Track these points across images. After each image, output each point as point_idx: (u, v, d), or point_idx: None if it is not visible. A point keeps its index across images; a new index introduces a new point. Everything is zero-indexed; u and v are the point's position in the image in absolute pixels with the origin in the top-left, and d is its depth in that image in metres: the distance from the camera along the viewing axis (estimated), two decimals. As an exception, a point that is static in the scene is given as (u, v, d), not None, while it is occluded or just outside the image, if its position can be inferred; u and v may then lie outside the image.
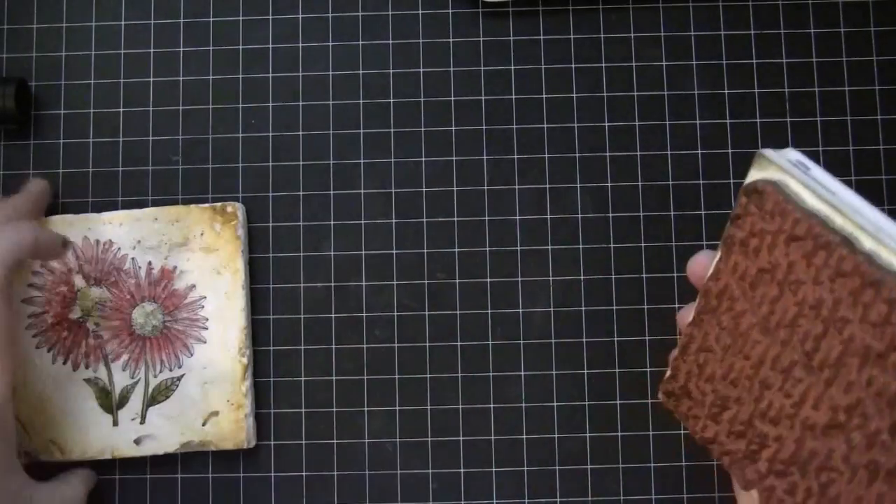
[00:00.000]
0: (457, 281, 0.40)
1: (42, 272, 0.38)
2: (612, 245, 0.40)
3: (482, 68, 0.41)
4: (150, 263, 0.39)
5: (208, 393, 0.38)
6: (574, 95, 0.41)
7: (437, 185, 0.40)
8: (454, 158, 0.40)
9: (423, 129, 0.41)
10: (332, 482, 0.39)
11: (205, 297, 0.38)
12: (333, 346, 0.39)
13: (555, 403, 0.39)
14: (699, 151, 0.40)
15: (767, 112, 0.40)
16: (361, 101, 0.41)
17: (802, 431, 0.25)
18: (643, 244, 0.40)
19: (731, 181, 0.40)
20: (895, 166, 0.40)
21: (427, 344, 0.39)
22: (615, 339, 0.39)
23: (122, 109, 0.41)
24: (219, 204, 0.39)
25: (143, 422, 0.38)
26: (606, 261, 0.40)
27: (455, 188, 0.40)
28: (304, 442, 0.39)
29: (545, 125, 0.41)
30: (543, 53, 0.41)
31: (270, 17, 0.41)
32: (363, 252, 0.40)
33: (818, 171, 0.26)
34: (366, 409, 0.39)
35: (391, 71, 0.41)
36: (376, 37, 0.41)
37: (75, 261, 0.39)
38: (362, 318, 0.39)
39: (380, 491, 0.39)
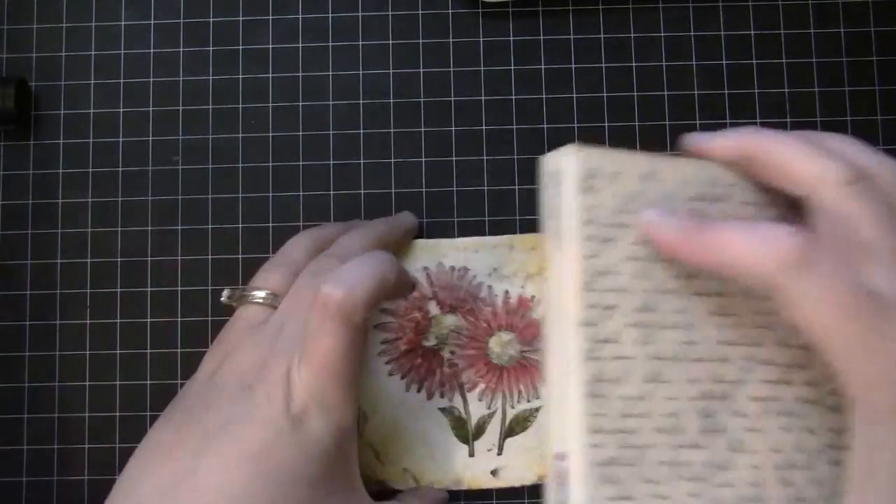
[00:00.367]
0: (457, 281, 0.40)
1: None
2: (612, 245, 0.40)
3: (482, 68, 0.41)
4: (506, 292, 0.38)
5: None
6: (574, 95, 0.41)
7: (438, 185, 0.40)
8: (454, 158, 0.40)
9: (423, 129, 0.41)
10: None
11: None
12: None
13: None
14: (699, 151, 0.40)
15: (768, 112, 0.40)
16: (361, 101, 0.41)
17: None
18: (643, 244, 0.40)
19: None
20: (895, 166, 0.40)
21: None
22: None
23: (122, 109, 0.41)
24: None
25: (500, 453, 0.37)
26: (606, 261, 0.40)
27: (455, 188, 0.40)
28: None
29: (545, 125, 0.41)
30: (543, 53, 0.41)
31: (270, 17, 0.41)
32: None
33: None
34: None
35: (391, 71, 0.41)
36: (376, 37, 0.41)
37: (429, 287, 0.38)
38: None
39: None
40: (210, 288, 0.40)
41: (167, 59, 0.41)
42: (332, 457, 0.31)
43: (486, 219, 0.40)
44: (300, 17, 0.41)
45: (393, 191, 0.40)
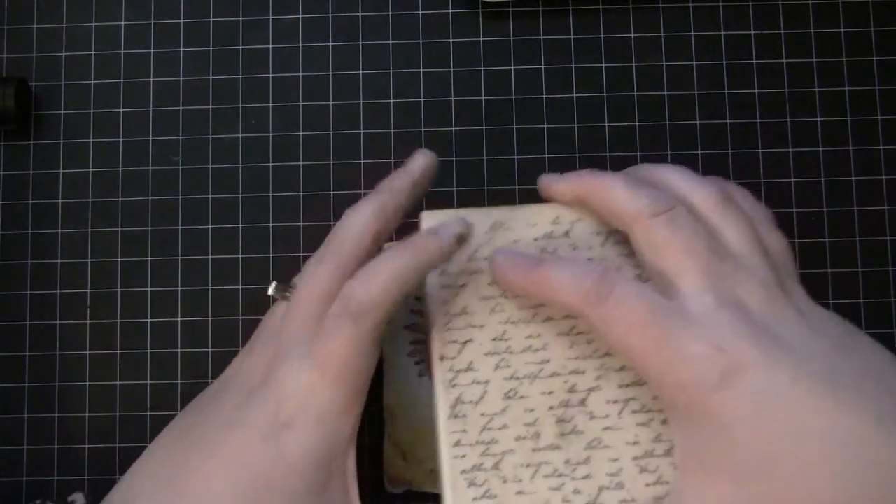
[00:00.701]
0: (457, 281, 0.40)
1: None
2: (612, 245, 0.40)
3: (482, 68, 0.41)
4: None
5: None
6: (574, 95, 0.41)
7: (438, 185, 0.40)
8: (454, 158, 0.40)
9: (423, 129, 0.41)
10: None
11: None
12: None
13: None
14: (699, 151, 0.40)
15: (767, 112, 0.40)
16: (361, 101, 0.41)
17: None
18: (643, 244, 0.40)
19: (732, 181, 0.40)
20: (895, 166, 0.40)
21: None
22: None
23: (122, 109, 0.41)
24: None
25: None
26: (606, 261, 0.40)
27: (455, 188, 0.40)
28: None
29: (545, 125, 0.41)
30: (543, 53, 0.41)
31: (270, 17, 0.41)
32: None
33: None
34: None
35: (391, 71, 0.41)
36: (376, 37, 0.41)
37: None
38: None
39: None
40: (210, 288, 0.40)
41: (167, 59, 0.41)
42: (320, 470, 0.30)
43: (486, 219, 0.40)
44: (300, 17, 0.41)
45: (393, 191, 0.40)
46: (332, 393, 0.29)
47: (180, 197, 0.40)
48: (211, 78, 0.41)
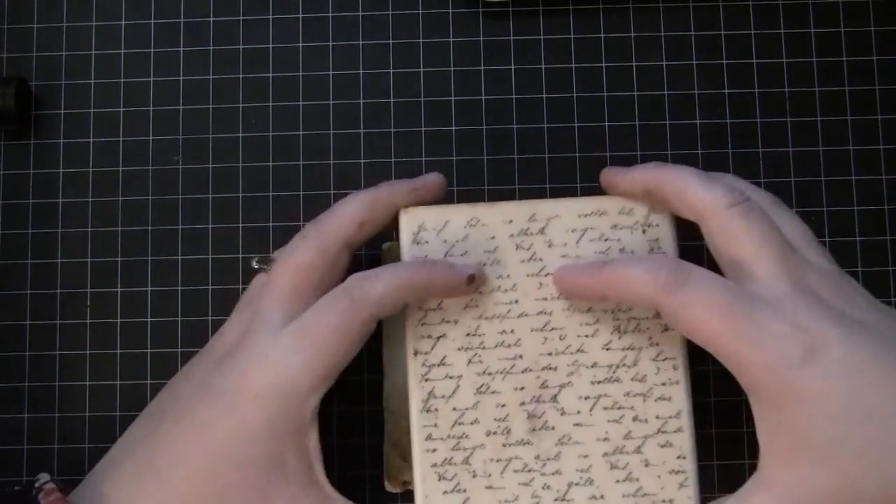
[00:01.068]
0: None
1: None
2: (612, 245, 0.40)
3: (482, 68, 0.41)
4: None
5: None
6: (574, 95, 0.41)
7: (438, 185, 0.40)
8: (454, 158, 0.40)
9: (423, 129, 0.41)
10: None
11: None
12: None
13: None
14: (699, 151, 0.40)
15: (767, 112, 0.40)
16: (361, 101, 0.41)
17: None
18: (643, 244, 0.40)
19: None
20: (895, 166, 0.40)
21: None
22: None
23: (122, 109, 0.41)
24: None
25: None
26: (606, 261, 0.40)
27: (455, 188, 0.40)
28: None
29: (545, 125, 0.41)
30: (543, 53, 0.41)
31: (270, 16, 0.41)
32: (363, 252, 0.40)
33: None
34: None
35: (391, 71, 0.41)
36: (376, 37, 0.41)
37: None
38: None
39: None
40: (210, 288, 0.40)
41: (167, 59, 0.41)
42: (283, 443, 0.30)
43: (487, 219, 0.40)
44: (300, 16, 0.41)
45: (393, 191, 0.40)
46: (305, 368, 0.30)
47: (180, 197, 0.40)
48: (211, 78, 0.41)
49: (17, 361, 0.40)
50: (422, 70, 0.41)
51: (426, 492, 0.32)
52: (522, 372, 0.33)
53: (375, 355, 0.38)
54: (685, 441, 0.32)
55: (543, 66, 0.41)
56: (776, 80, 0.41)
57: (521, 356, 0.33)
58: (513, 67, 0.41)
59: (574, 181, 0.40)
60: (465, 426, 0.32)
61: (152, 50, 0.41)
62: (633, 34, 0.41)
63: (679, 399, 0.32)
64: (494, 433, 0.32)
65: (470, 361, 0.33)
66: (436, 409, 0.32)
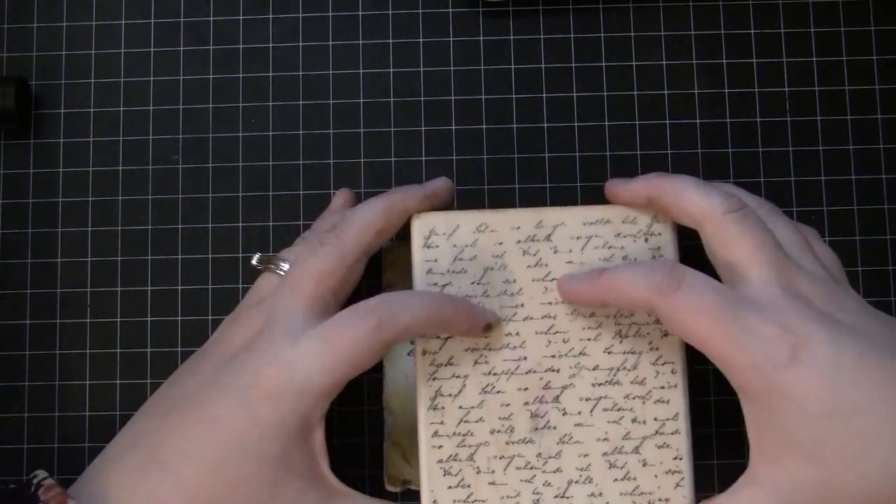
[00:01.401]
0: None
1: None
2: (612, 245, 0.40)
3: (482, 68, 0.41)
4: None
5: None
6: (574, 95, 0.41)
7: (438, 184, 0.40)
8: (454, 158, 0.40)
9: (423, 129, 0.41)
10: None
11: None
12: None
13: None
14: (699, 151, 0.40)
15: (767, 112, 0.40)
16: (361, 101, 0.41)
17: None
18: (643, 244, 0.40)
19: (731, 181, 0.40)
20: (895, 166, 0.40)
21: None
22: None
23: (122, 109, 0.41)
24: None
25: None
26: (606, 260, 0.40)
27: (455, 188, 0.40)
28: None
29: (545, 125, 0.41)
30: (543, 53, 0.41)
31: (270, 16, 0.41)
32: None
33: None
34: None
35: (391, 71, 0.41)
36: (376, 37, 0.41)
37: None
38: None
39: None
40: (210, 287, 0.40)
41: (167, 58, 0.41)
42: (292, 441, 0.30)
43: (487, 218, 0.40)
44: (300, 16, 0.41)
45: (393, 190, 0.40)
46: (322, 374, 0.30)
47: (180, 196, 0.40)
48: (211, 77, 0.41)
49: (17, 361, 0.40)
50: (422, 70, 0.41)
51: (432, 486, 0.33)
52: (526, 373, 0.33)
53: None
54: (682, 443, 0.33)
55: (543, 66, 0.41)
56: (776, 80, 0.41)
57: (525, 358, 0.33)
58: (513, 67, 0.41)
59: (574, 181, 0.40)
60: (470, 424, 0.33)
61: (152, 50, 0.41)
62: (633, 34, 0.41)
63: (677, 402, 0.33)
64: (498, 431, 0.33)
65: (476, 362, 0.34)
66: (442, 407, 0.33)
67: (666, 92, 0.41)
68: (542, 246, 0.34)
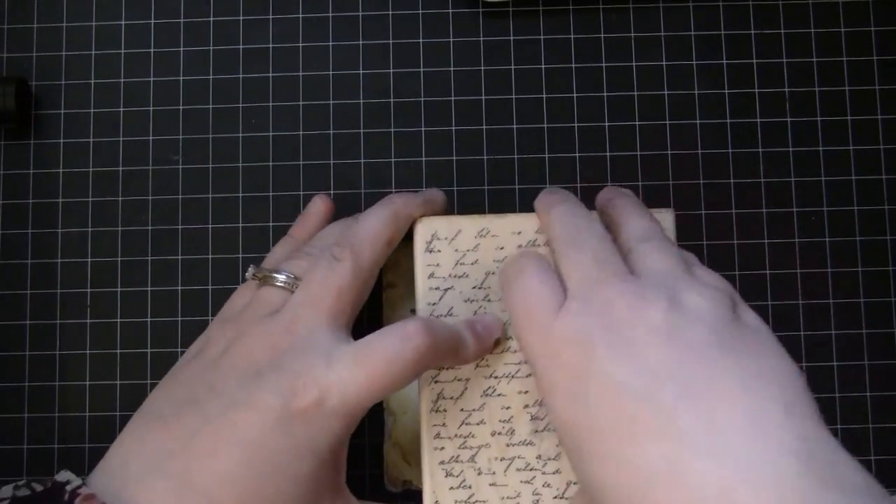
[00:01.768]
0: (457, 281, 0.40)
1: None
2: (612, 245, 0.40)
3: (482, 68, 0.41)
4: None
5: None
6: (574, 95, 0.41)
7: (437, 184, 0.40)
8: (454, 158, 0.40)
9: (423, 129, 0.41)
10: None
11: None
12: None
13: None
14: (699, 151, 0.40)
15: (767, 112, 0.40)
16: (361, 101, 0.41)
17: None
18: (643, 244, 0.40)
19: (732, 181, 0.40)
20: (895, 166, 0.40)
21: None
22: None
23: (122, 109, 0.41)
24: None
25: None
26: (606, 261, 0.40)
27: (455, 188, 0.40)
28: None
29: (545, 125, 0.41)
30: (543, 53, 0.41)
31: (270, 16, 0.41)
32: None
33: None
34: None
35: (391, 71, 0.41)
36: (376, 37, 0.41)
37: None
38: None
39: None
40: (210, 288, 0.40)
41: (167, 59, 0.41)
42: (324, 459, 0.30)
43: (487, 218, 0.40)
44: (300, 16, 0.41)
45: (393, 190, 0.40)
46: (359, 397, 0.30)
47: (180, 197, 0.40)
48: (211, 78, 0.41)
49: (17, 361, 0.40)
50: (422, 70, 0.41)
51: (433, 487, 0.33)
52: (527, 376, 0.33)
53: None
54: None
55: (543, 66, 0.41)
56: (776, 80, 0.41)
57: (525, 361, 0.34)
58: (513, 67, 0.41)
59: (574, 181, 0.40)
60: (471, 426, 0.33)
61: (152, 50, 0.41)
62: (633, 34, 0.41)
63: None
64: (499, 433, 0.33)
65: (477, 365, 0.34)
66: (444, 410, 0.34)
67: (666, 92, 0.41)
68: (544, 251, 0.34)
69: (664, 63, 0.41)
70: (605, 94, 0.41)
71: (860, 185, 0.40)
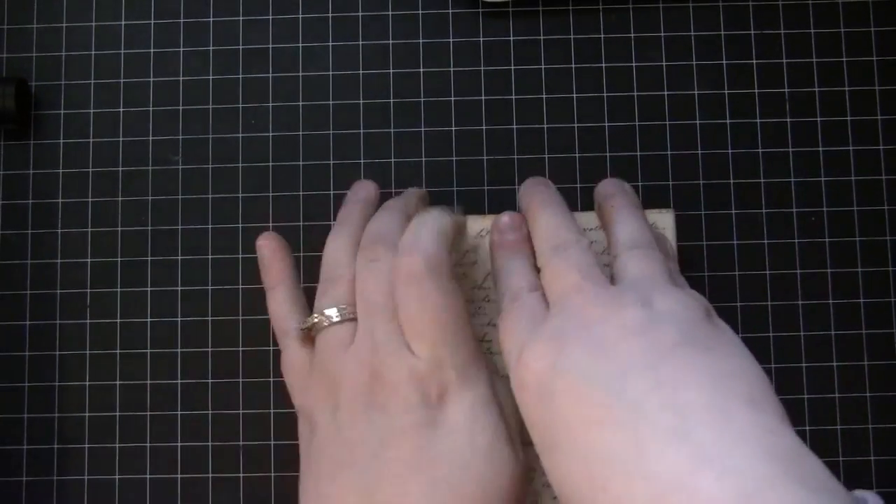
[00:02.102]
0: (457, 281, 0.40)
1: None
2: (612, 245, 0.40)
3: (482, 68, 0.41)
4: None
5: None
6: (574, 95, 0.41)
7: (438, 185, 0.40)
8: (454, 158, 0.40)
9: (423, 129, 0.41)
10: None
11: None
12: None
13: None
14: (699, 151, 0.40)
15: (767, 112, 0.40)
16: (361, 101, 0.41)
17: None
18: (643, 244, 0.40)
19: (731, 181, 0.40)
20: (895, 166, 0.40)
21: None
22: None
23: (122, 109, 0.41)
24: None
25: None
26: (606, 261, 0.40)
27: (455, 188, 0.40)
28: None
29: (545, 125, 0.41)
30: (543, 53, 0.41)
31: (270, 17, 0.41)
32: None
33: None
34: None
35: (391, 71, 0.41)
36: (376, 37, 0.41)
37: None
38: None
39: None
40: (210, 288, 0.40)
41: (167, 59, 0.41)
42: (489, 425, 0.30)
43: (487, 219, 0.40)
44: (300, 16, 0.41)
45: (393, 190, 0.40)
46: (458, 342, 0.31)
47: (180, 197, 0.40)
48: (211, 78, 0.41)
49: (17, 361, 0.40)
50: (422, 70, 0.41)
51: None
52: None
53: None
54: None
55: (543, 67, 0.41)
56: (776, 80, 0.41)
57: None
58: (513, 67, 0.41)
59: (574, 181, 0.40)
60: None
61: (152, 50, 0.41)
62: (633, 34, 0.41)
63: None
64: None
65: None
66: None
67: (666, 93, 0.41)
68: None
69: (664, 63, 0.41)
70: (604, 94, 0.41)
71: (860, 186, 0.40)
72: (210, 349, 0.40)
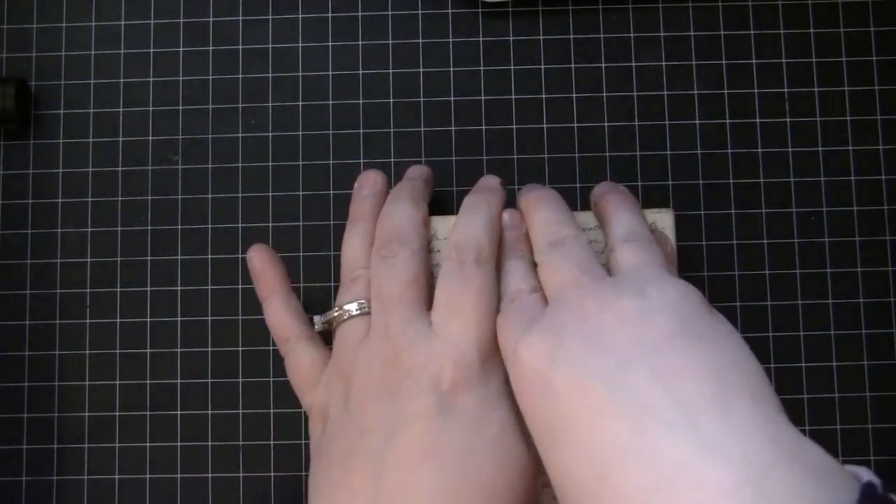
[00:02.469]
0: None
1: None
2: (611, 245, 0.40)
3: (482, 68, 0.41)
4: None
5: None
6: (574, 95, 0.41)
7: (437, 185, 0.40)
8: (454, 158, 0.40)
9: (422, 129, 0.41)
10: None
11: None
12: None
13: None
14: (699, 152, 0.40)
15: (767, 112, 0.40)
16: (361, 101, 0.41)
17: None
18: (643, 244, 0.40)
19: (731, 181, 0.40)
20: (895, 166, 0.40)
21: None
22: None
23: (122, 109, 0.41)
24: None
25: None
26: (606, 261, 0.40)
27: (455, 188, 0.40)
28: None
29: (545, 125, 0.41)
30: (543, 53, 0.41)
31: (270, 17, 0.41)
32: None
33: None
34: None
35: (391, 71, 0.41)
36: (376, 37, 0.41)
37: None
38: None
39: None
40: (210, 288, 0.40)
41: (167, 59, 0.41)
42: (500, 417, 0.30)
43: (486, 219, 0.40)
44: (300, 17, 0.41)
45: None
46: (490, 329, 0.31)
47: (180, 197, 0.40)
48: (211, 78, 0.41)
49: (17, 361, 0.40)
50: (422, 70, 0.41)
51: None
52: None
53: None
54: None
55: (543, 67, 0.41)
56: (776, 80, 0.41)
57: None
58: (513, 67, 0.41)
59: (573, 181, 0.40)
60: None
61: (152, 50, 0.41)
62: (632, 34, 0.41)
63: None
64: None
65: None
66: None
67: (665, 93, 0.41)
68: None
69: (664, 63, 0.41)
70: (604, 94, 0.41)
71: (860, 186, 0.40)
72: (210, 349, 0.40)
